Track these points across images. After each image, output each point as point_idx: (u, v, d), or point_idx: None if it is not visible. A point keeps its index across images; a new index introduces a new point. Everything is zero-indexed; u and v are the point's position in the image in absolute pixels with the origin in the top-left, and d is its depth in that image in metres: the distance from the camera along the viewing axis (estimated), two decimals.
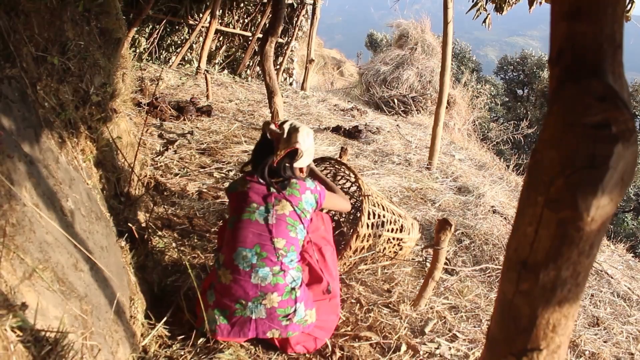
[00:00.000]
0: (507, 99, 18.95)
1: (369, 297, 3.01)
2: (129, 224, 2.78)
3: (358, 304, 2.92)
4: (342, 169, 3.52)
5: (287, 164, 2.54)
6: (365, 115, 8.78)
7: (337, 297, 2.54)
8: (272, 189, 2.48)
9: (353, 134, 6.95)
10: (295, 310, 2.32)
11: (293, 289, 2.35)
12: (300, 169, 2.68)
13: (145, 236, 2.86)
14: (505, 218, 4.89)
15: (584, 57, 0.82)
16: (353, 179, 3.57)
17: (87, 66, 2.98)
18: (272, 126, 2.58)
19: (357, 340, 2.59)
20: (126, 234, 2.71)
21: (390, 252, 3.24)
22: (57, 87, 2.60)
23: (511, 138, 12.34)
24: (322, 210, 2.76)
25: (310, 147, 2.64)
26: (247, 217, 2.42)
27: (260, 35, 9.47)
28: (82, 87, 2.88)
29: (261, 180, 2.50)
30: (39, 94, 2.41)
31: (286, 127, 2.57)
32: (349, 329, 2.69)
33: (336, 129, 7.09)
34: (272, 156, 2.52)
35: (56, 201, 2.09)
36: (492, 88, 17.85)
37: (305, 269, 2.47)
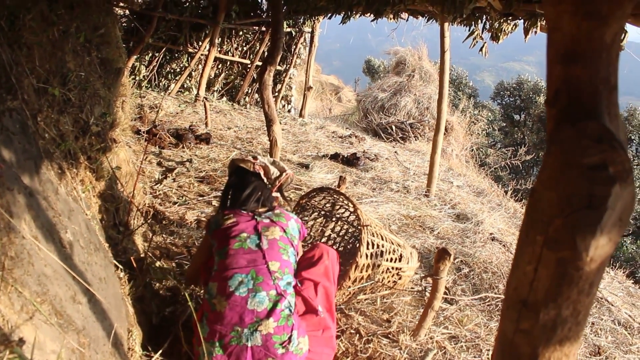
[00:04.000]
0: (504, 124, 19.07)
1: (369, 327, 2.99)
2: (128, 255, 2.78)
3: (357, 335, 2.89)
4: (340, 199, 3.52)
5: (277, 193, 2.77)
6: (363, 142, 8.83)
7: (330, 330, 2.51)
8: (259, 218, 2.57)
9: (351, 161, 6.98)
10: (290, 338, 2.31)
11: (289, 315, 2.34)
12: (276, 199, 2.84)
13: (144, 266, 2.84)
14: (504, 245, 4.88)
15: (580, 99, 0.84)
16: (352, 209, 3.57)
17: (87, 96, 3.01)
18: (250, 161, 2.75)
19: None
20: (124, 265, 2.70)
21: (389, 281, 3.22)
22: (57, 118, 2.62)
23: (509, 164, 12.38)
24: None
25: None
26: (239, 246, 2.47)
27: (259, 63, 9.57)
28: (82, 117, 2.90)
29: (243, 212, 2.60)
30: (39, 125, 2.43)
31: (264, 160, 2.79)
32: (348, 359, 2.66)
33: (335, 157, 7.11)
34: (263, 187, 2.70)
35: (55, 233, 2.09)
36: (489, 113, 17.98)
37: (299, 298, 2.47)
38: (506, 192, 8.67)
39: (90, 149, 2.89)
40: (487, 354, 2.96)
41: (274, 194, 2.75)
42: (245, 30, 9.87)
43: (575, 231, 0.84)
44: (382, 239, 3.07)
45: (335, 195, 3.44)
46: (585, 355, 3.19)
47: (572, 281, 0.88)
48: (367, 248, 2.90)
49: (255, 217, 2.58)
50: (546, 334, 0.91)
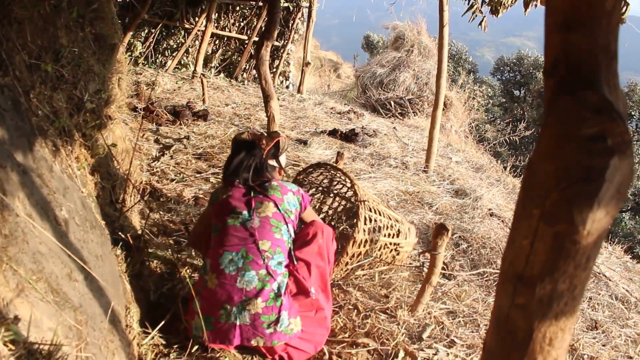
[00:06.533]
0: (504, 100, 18.96)
1: (367, 303, 3.00)
2: (125, 232, 2.76)
3: (355, 310, 2.90)
4: (337, 174, 3.51)
5: (272, 164, 2.68)
6: (362, 118, 8.78)
7: (323, 311, 2.50)
8: (254, 193, 2.54)
9: (350, 137, 6.94)
10: (278, 319, 2.31)
11: (278, 295, 2.34)
12: (279, 170, 2.77)
13: (141, 244, 2.84)
14: (502, 221, 4.88)
15: (578, 69, 0.81)
16: (349, 184, 3.56)
17: (81, 73, 2.96)
18: (247, 131, 2.70)
19: (354, 346, 2.58)
20: (121, 242, 2.70)
21: (387, 257, 3.22)
22: (50, 95, 2.59)
23: (507, 139, 12.33)
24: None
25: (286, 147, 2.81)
26: (232, 223, 2.46)
27: (257, 39, 9.46)
28: (77, 94, 2.87)
29: (241, 185, 2.56)
30: (32, 102, 2.40)
31: (261, 129, 2.68)
32: (346, 335, 2.67)
33: (333, 133, 7.07)
34: (254, 157, 2.62)
35: (50, 211, 2.07)
36: (489, 89, 17.86)
37: (291, 278, 2.45)
38: (505, 167, 8.65)
39: (85, 126, 2.86)
40: (485, 329, 2.98)
41: (271, 163, 2.70)
42: (242, 6, 9.73)
43: (572, 204, 0.83)
44: (380, 215, 3.07)
45: (332, 171, 3.42)
46: (582, 329, 3.21)
47: (568, 255, 0.86)
48: (365, 223, 2.90)
49: (251, 192, 2.55)
50: (542, 309, 0.90)
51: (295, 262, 2.49)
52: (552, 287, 0.88)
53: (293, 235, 2.56)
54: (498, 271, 3.69)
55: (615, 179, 0.82)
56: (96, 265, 2.26)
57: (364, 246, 2.96)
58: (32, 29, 2.57)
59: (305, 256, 2.51)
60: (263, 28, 8.16)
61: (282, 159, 2.78)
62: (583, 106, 0.80)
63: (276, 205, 2.49)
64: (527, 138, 14.87)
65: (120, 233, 2.67)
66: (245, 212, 2.48)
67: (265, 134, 2.68)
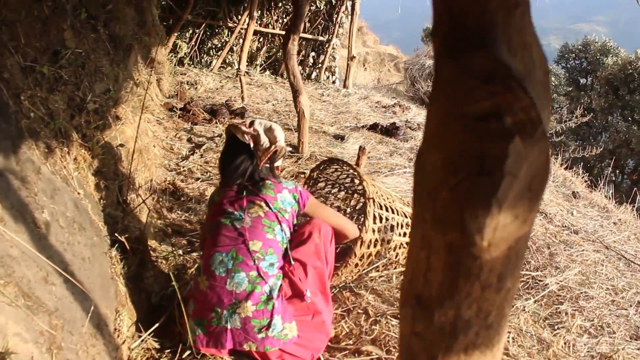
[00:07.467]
0: (569, 89, 17.85)
1: (378, 307, 2.79)
2: (128, 233, 2.70)
3: (365, 315, 2.70)
4: (350, 170, 3.31)
5: (266, 165, 2.52)
6: (407, 112, 8.47)
7: (321, 315, 2.33)
8: (246, 192, 2.41)
9: (390, 131, 6.69)
10: (270, 323, 2.16)
11: (270, 298, 2.19)
12: (277, 167, 2.63)
13: (140, 246, 2.76)
14: (546, 216, 4.50)
15: (464, 24, 0.61)
16: (359, 180, 3.34)
17: (85, 73, 2.93)
18: (243, 128, 2.49)
19: (356, 355, 2.38)
20: (119, 244, 2.63)
21: (403, 257, 3.00)
22: (46, 97, 2.55)
23: (563, 128, 11.49)
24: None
25: (284, 144, 2.62)
26: (224, 223, 2.36)
27: (302, 35, 9.34)
28: (79, 94, 2.83)
29: (234, 185, 2.45)
30: (23, 104, 2.36)
31: (258, 127, 2.49)
32: (350, 342, 2.48)
33: (373, 127, 6.84)
34: (251, 160, 2.49)
35: (28, 213, 2.02)
36: (554, 79, 16.87)
37: (286, 280, 2.30)
38: (556, 158, 8.04)
39: (86, 126, 2.82)
40: (510, 337, 2.71)
41: (266, 165, 2.54)
42: (284, 2, 9.64)
43: (463, 207, 0.62)
44: (394, 213, 2.85)
45: (344, 167, 3.23)
46: (624, 338, 2.84)
47: (469, 273, 0.66)
48: (374, 222, 2.69)
49: (243, 191, 2.42)
50: (445, 340, 0.70)
51: (292, 263, 2.34)
52: (454, 313, 0.68)
53: (289, 235, 2.41)
54: (528, 273, 3.38)
55: (520, 170, 0.61)
56: (82, 267, 2.20)
57: (375, 246, 2.75)
58: (26, 31, 2.54)
59: (300, 256, 2.35)
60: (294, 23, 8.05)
61: (279, 161, 2.63)
62: (469, 73, 0.60)
63: (267, 205, 2.35)
64: (595, 128, 13.93)
65: (117, 235, 2.60)
66: (237, 213, 2.37)
67: (263, 136, 2.50)
